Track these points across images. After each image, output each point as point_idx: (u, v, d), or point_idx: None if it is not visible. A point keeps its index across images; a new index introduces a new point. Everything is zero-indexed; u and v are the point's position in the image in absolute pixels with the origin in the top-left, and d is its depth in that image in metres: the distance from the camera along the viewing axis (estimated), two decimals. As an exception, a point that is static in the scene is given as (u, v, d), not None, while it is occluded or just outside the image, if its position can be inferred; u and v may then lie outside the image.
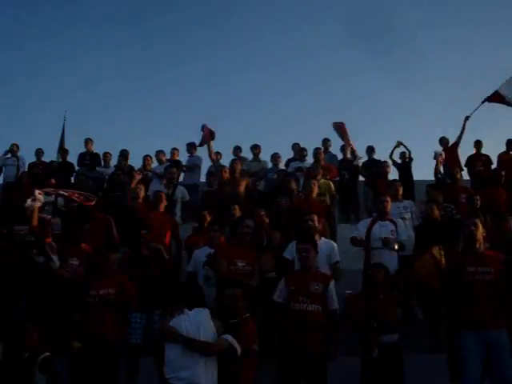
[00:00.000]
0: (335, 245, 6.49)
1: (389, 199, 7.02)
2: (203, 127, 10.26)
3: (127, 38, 29.75)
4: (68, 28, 29.27)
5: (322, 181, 8.92)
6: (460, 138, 11.20)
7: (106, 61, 27.97)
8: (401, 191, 8.03)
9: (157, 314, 6.11)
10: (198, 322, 4.55)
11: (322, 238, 6.47)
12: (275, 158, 10.57)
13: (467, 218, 5.49)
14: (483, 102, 10.98)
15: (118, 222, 7.42)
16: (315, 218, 6.46)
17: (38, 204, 6.66)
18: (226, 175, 8.90)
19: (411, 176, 10.80)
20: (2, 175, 11.48)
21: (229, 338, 4.52)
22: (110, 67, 28.86)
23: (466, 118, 11.07)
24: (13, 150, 11.66)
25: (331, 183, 9.03)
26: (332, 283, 5.59)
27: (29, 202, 6.58)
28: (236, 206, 7.44)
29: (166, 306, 5.35)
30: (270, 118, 28.86)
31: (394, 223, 6.86)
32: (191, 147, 11.33)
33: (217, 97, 29.23)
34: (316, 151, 10.48)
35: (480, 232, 5.27)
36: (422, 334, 6.55)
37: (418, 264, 6.21)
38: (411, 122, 26.36)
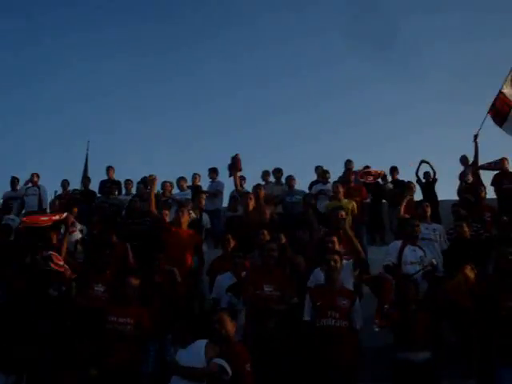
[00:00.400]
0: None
1: (419, 223, 6.84)
2: (235, 158, 10.08)
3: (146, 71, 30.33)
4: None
5: (346, 201, 8.81)
6: (476, 157, 10.80)
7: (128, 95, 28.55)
8: (429, 212, 7.85)
9: (168, 340, 6.02)
10: (196, 351, 4.68)
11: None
12: (290, 180, 10.42)
13: (502, 246, 5.25)
14: (488, 113, 10.38)
15: (136, 248, 7.44)
16: (335, 239, 6.25)
17: None
18: (252, 203, 8.76)
19: (435, 196, 10.57)
20: (25, 205, 11.44)
21: (219, 361, 4.54)
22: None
23: (475, 137, 10.60)
24: (33, 179, 11.68)
25: (354, 203, 8.85)
26: (357, 300, 5.47)
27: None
28: (265, 231, 7.25)
29: (177, 334, 5.52)
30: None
31: (422, 249, 6.71)
32: (213, 172, 11.30)
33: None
34: (347, 172, 10.49)
35: None
36: (453, 358, 6.23)
37: (450, 285, 6.01)
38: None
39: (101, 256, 6.58)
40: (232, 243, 7.32)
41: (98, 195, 11.40)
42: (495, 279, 5.16)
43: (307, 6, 30.85)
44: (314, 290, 5.58)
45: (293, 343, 5.57)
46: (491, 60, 27.19)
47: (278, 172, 11.13)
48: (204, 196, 9.89)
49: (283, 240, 7.04)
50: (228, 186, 10.66)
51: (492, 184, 10.68)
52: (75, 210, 9.41)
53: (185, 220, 7.63)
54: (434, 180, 10.68)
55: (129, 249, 7.21)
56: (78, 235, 8.28)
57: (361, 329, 5.46)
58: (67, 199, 10.65)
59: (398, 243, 6.81)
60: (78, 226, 8.56)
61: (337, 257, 5.57)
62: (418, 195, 10.50)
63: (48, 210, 10.56)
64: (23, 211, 11.32)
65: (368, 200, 10.13)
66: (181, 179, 11.04)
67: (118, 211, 10.18)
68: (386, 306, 5.71)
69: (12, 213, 10.50)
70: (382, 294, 5.75)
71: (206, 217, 9.33)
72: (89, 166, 14.93)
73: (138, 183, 11.11)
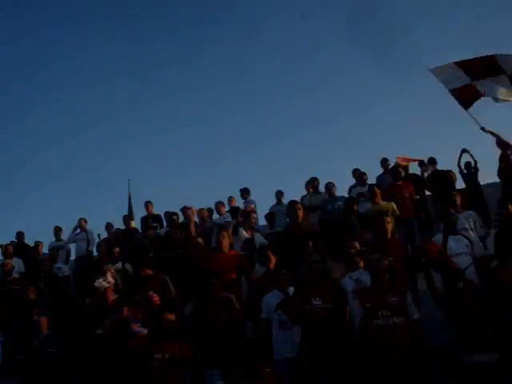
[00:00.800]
0: None
1: (454, 211, 6.67)
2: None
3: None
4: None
5: (384, 203, 8.61)
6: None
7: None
8: (459, 201, 7.62)
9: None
10: None
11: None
12: (329, 187, 10.25)
13: None
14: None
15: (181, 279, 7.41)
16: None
17: (107, 285, 6.86)
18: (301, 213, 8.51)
19: (479, 186, 10.32)
20: (75, 251, 11.65)
21: None
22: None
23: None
24: (81, 224, 11.83)
25: (394, 204, 8.63)
26: (409, 293, 5.35)
27: (98, 281, 6.86)
28: (309, 243, 7.09)
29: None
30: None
31: (467, 237, 6.51)
32: (245, 193, 11.39)
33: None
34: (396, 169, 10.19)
35: None
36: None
37: (504, 271, 5.69)
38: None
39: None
40: (273, 259, 7.11)
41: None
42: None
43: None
44: (361, 294, 5.48)
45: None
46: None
47: (313, 181, 10.94)
48: (254, 215, 9.76)
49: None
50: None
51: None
52: (117, 249, 9.54)
53: (226, 243, 7.53)
54: (476, 169, 10.39)
55: (168, 281, 7.13)
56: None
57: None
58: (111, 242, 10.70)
59: (439, 237, 6.60)
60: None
61: (378, 255, 5.46)
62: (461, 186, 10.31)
63: (95, 253, 10.69)
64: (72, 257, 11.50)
65: (418, 197, 9.88)
66: (218, 204, 10.98)
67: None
68: None
69: (59, 260, 10.60)
70: None
71: (258, 236, 9.12)
72: (133, 205, 15.28)
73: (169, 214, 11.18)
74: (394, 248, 6.68)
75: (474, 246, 6.45)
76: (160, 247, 9.51)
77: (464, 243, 6.38)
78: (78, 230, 11.82)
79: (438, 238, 6.65)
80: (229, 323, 6.20)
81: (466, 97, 9.77)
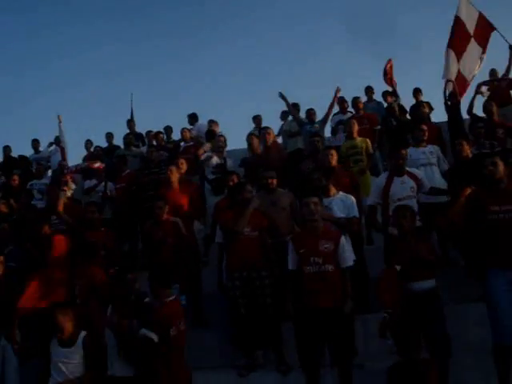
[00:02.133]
0: (354, 199, 6.13)
1: (405, 155, 6.27)
2: None
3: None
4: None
5: (359, 139, 8.49)
6: (509, 69, 10.17)
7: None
8: (426, 135, 7.50)
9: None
10: None
11: (340, 192, 6.15)
12: (310, 113, 9.90)
13: (486, 158, 4.98)
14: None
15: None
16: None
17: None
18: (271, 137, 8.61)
19: (461, 117, 9.92)
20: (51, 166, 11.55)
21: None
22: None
23: (511, 47, 10.01)
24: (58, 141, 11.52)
25: (368, 141, 8.50)
26: (343, 239, 5.27)
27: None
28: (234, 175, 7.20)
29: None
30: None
31: (415, 177, 6.23)
32: (192, 118, 11.43)
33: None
34: (354, 101, 10.07)
35: (500, 169, 4.84)
36: (463, 282, 6.10)
37: (452, 210, 5.70)
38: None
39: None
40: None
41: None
42: (483, 194, 4.94)
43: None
44: (295, 238, 5.41)
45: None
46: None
47: (294, 106, 10.47)
48: (222, 139, 9.72)
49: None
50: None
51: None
52: (98, 165, 9.59)
53: (175, 178, 7.50)
54: (458, 101, 10.07)
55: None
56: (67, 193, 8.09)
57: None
58: (91, 158, 10.74)
59: (383, 178, 6.24)
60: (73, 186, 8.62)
61: (316, 200, 5.32)
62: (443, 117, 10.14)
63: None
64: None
65: (379, 127, 9.62)
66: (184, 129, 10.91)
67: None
68: None
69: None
70: None
71: (230, 162, 9.05)
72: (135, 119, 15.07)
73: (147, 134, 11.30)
74: (339, 178, 6.58)
75: (424, 185, 6.30)
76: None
77: (409, 186, 6.11)
78: (53, 147, 11.72)
79: (382, 179, 6.31)
80: (176, 246, 6.37)
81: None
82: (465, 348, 5.30)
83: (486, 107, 8.87)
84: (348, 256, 5.29)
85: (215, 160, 8.73)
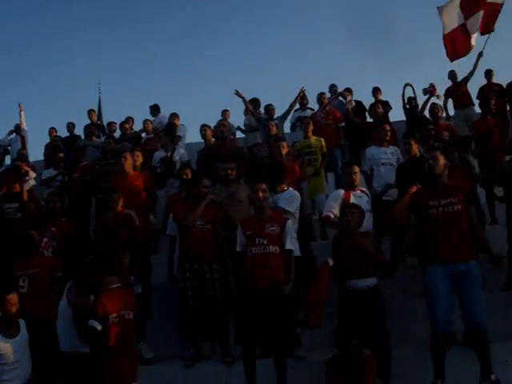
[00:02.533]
0: (298, 195, 6.25)
1: (357, 170, 6.29)
2: None
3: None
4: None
5: (314, 138, 8.65)
6: (472, 74, 10.40)
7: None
8: (389, 136, 7.63)
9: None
10: None
11: (290, 188, 6.26)
12: (269, 109, 9.94)
13: (426, 153, 5.14)
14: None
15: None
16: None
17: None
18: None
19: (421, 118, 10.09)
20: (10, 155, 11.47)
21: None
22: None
23: (480, 55, 10.16)
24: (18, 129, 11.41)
25: (323, 140, 8.66)
26: (289, 223, 5.43)
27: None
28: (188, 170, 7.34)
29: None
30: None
31: (366, 193, 6.32)
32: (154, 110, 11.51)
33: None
34: (319, 96, 10.20)
35: (441, 164, 4.98)
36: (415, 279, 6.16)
37: (396, 207, 5.84)
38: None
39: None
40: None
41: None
42: (424, 189, 5.19)
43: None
44: (244, 222, 5.59)
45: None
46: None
47: (254, 102, 10.46)
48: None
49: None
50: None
51: (477, 97, 10.38)
52: (61, 155, 9.49)
53: (128, 165, 7.43)
54: (417, 105, 10.24)
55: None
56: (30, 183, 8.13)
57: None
58: (52, 147, 10.68)
59: (340, 192, 6.15)
60: (33, 175, 8.45)
61: (264, 186, 5.52)
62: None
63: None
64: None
65: (343, 124, 9.84)
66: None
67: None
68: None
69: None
70: None
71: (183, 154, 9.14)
72: (102, 111, 14.92)
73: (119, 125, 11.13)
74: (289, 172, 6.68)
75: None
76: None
77: (364, 200, 6.07)
78: (14, 135, 11.60)
79: (337, 193, 6.17)
80: (130, 238, 6.31)
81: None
82: (412, 341, 5.49)
83: (433, 110, 9.07)
84: (293, 240, 5.48)
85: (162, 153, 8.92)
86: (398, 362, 5.15)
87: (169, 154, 8.91)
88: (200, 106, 28.35)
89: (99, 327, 4.52)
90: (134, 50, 33.49)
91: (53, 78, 32.91)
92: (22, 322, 5.13)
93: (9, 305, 5.04)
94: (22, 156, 9.56)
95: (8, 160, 11.41)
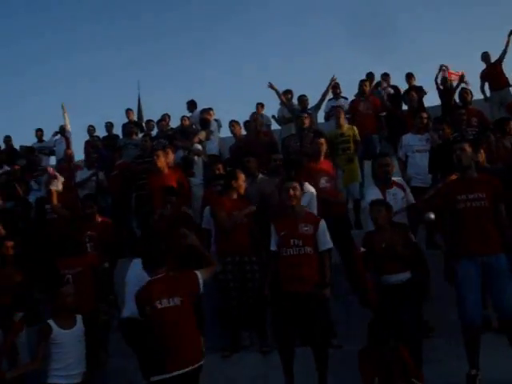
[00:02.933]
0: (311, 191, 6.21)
1: (390, 162, 6.24)
2: None
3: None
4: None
5: (346, 126, 8.64)
6: (505, 53, 10.26)
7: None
8: (425, 122, 7.58)
9: None
10: None
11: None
12: (302, 100, 10.01)
13: (454, 144, 5.08)
14: None
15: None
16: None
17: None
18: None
19: (456, 103, 9.99)
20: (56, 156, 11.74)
21: None
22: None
23: (511, 33, 10.06)
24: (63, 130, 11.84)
25: (355, 128, 8.64)
26: (322, 223, 5.41)
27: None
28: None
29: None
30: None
31: (402, 187, 6.22)
32: (191, 105, 11.62)
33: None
34: (361, 83, 10.09)
35: (468, 156, 4.97)
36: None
37: (424, 197, 5.81)
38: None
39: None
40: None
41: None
42: (453, 183, 5.14)
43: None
44: (276, 221, 5.54)
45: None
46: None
47: (287, 93, 10.63)
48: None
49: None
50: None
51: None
52: (95, 155, 9.72)
53: (162, 163, 7.61)
54: (452, 86, 10.16)
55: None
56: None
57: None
58: (91, 145, 10.87)
59: (376, 190, 6.07)
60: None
61: (295, 185, 5.49)
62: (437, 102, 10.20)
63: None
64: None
65: (384, 114, 9.82)
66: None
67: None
68: None
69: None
70: None
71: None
72: (142, 107, 14.95)
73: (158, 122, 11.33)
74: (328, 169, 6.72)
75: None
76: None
77: (399, 197, 6.02)
78: (58, 136, 11.80)
79: (373, 193, 6.02)
80: None
81: None
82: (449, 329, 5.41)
83: (462, 95, 8.97)
84: (327, 240, 5.44)
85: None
86: (433, 349, 5.20)
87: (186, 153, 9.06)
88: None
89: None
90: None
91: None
92: (78, 317, 5.35)
93: (64, 296, 5.30)
94: (68, 156, 9.79)
95: (53, 161, 11.88)
